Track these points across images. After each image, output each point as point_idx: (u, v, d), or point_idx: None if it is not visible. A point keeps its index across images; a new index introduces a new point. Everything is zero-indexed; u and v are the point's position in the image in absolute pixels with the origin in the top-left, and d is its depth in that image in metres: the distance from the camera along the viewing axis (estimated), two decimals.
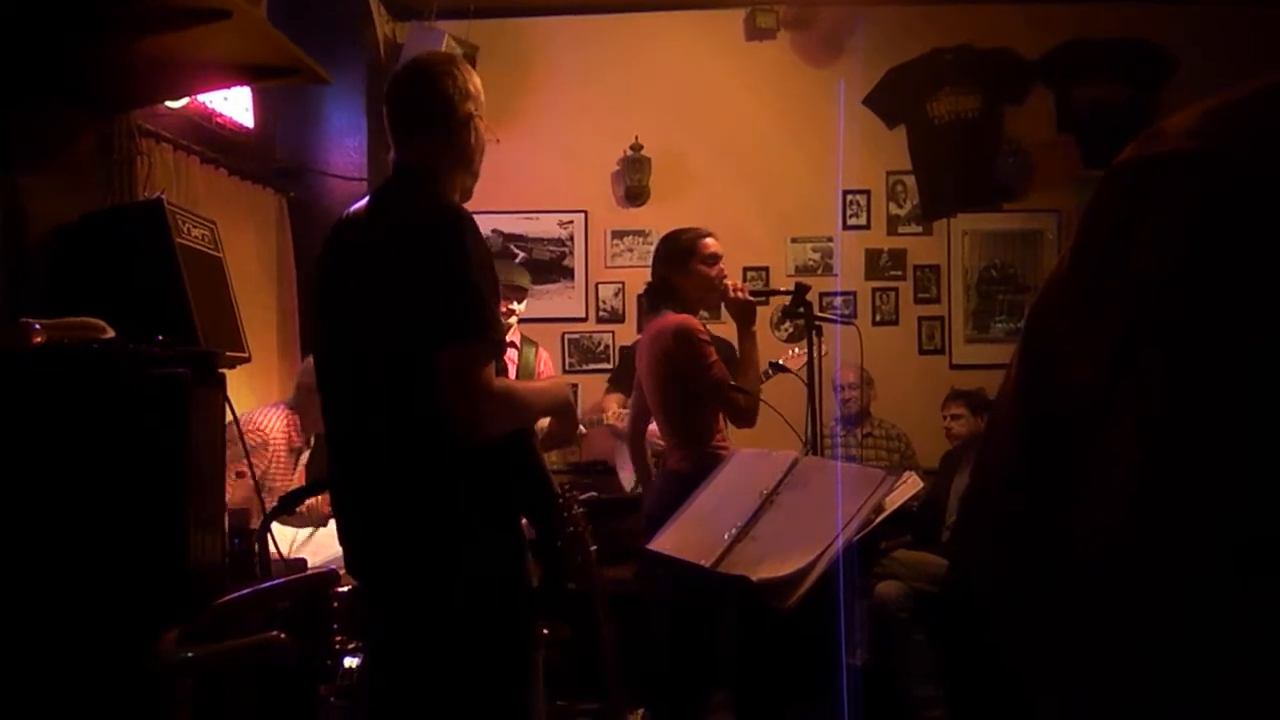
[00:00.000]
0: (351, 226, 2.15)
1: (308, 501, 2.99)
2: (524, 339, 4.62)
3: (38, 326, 2.02)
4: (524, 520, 2.08)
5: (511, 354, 4.47)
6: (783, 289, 3.36)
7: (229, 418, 2.38)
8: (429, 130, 2.14)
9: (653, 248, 3.40)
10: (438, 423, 1.90)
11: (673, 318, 3.13)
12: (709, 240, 3.22)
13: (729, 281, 3.24)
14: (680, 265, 3.19)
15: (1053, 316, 0.91)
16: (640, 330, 3.41)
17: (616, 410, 4.65)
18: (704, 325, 3.22)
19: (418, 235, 1.97)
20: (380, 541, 2.04)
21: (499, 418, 1.95)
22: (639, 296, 4.77)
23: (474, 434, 1.92)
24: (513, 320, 4.44)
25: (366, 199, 2.18)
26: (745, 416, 3.10)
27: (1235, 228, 0.79)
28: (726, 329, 4.14)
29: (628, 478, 4.75)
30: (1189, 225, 0.81)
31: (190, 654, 1.83)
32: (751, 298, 3.21)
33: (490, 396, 1.91)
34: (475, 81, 2.20)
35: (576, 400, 5.21)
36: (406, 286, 1.93)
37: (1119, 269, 0.84)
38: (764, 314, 3.32)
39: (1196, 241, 0.81)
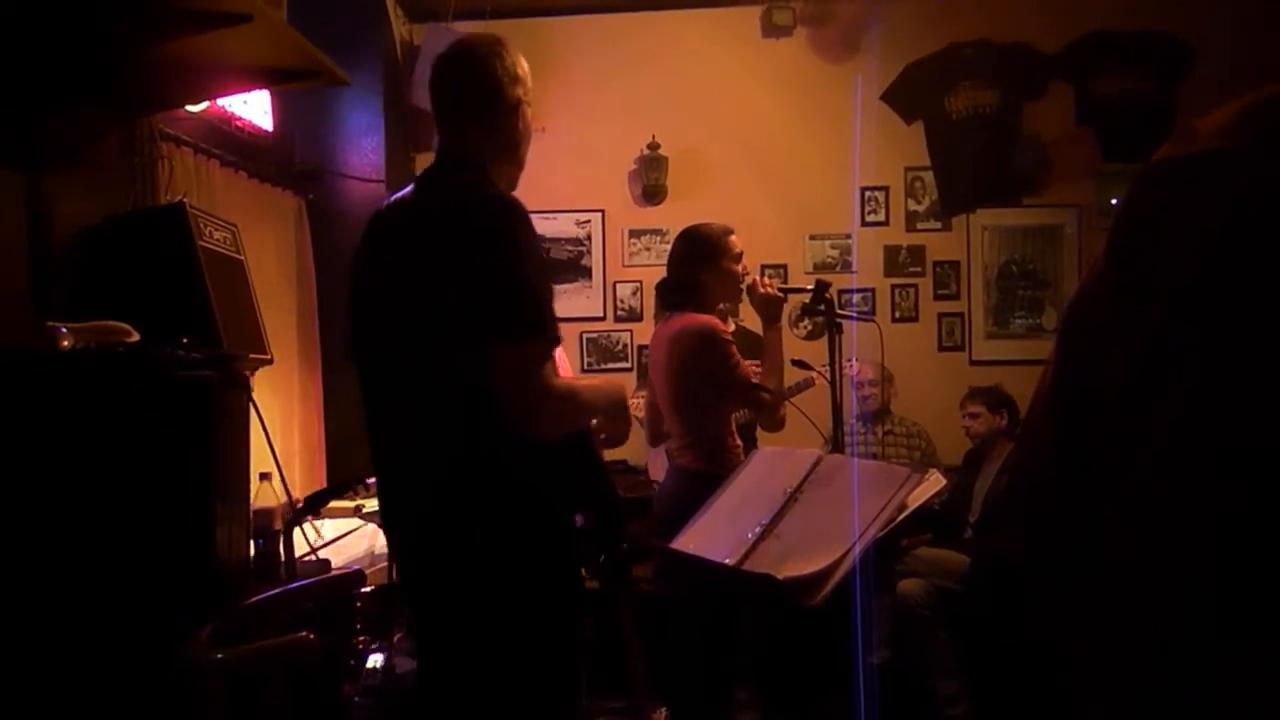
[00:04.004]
0: (394, 215, 2.04)
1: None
2: None
3: (64, 330, 2.04)
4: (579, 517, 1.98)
5: None
6: (803, 286, 3.34)
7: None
8: (477, 114, 2.04)
9: (670, 246, 3.37)
10: (485, 421, 1.81)
11: (695, 317, 3.11)
12: (735, 238, 3.21)
13: (756, 277, 3.23)
14: (712, 264, 3.16)
15: (1088, 317, 0.91)
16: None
17: (639, 404, 4.63)
18: (726, 321, 3.20)
19: (468, 226, 1.86)
20: (426, 544, 1.96)
21: (561, 417, 1.88)
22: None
23: (534, 434, 1.83)
24: None
25: (411, 186, 2.06)
26: (770, 414, 3.09)
27: (1269, 221, 0.79)
28: (747, 319, 4.15)
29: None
30: (1223, 220, 0.81)
31: (221, 654, 1.84)
32: (779, 293, 3.19)
33: (553, 396, 1.84)
34: (524, 65, 2.11)
35: None
36: (457, 279, 1.82)
37: (1154, 266, 0.84)
38: (784, 311, 3.30)
39: (1231, 235, 0.81)
